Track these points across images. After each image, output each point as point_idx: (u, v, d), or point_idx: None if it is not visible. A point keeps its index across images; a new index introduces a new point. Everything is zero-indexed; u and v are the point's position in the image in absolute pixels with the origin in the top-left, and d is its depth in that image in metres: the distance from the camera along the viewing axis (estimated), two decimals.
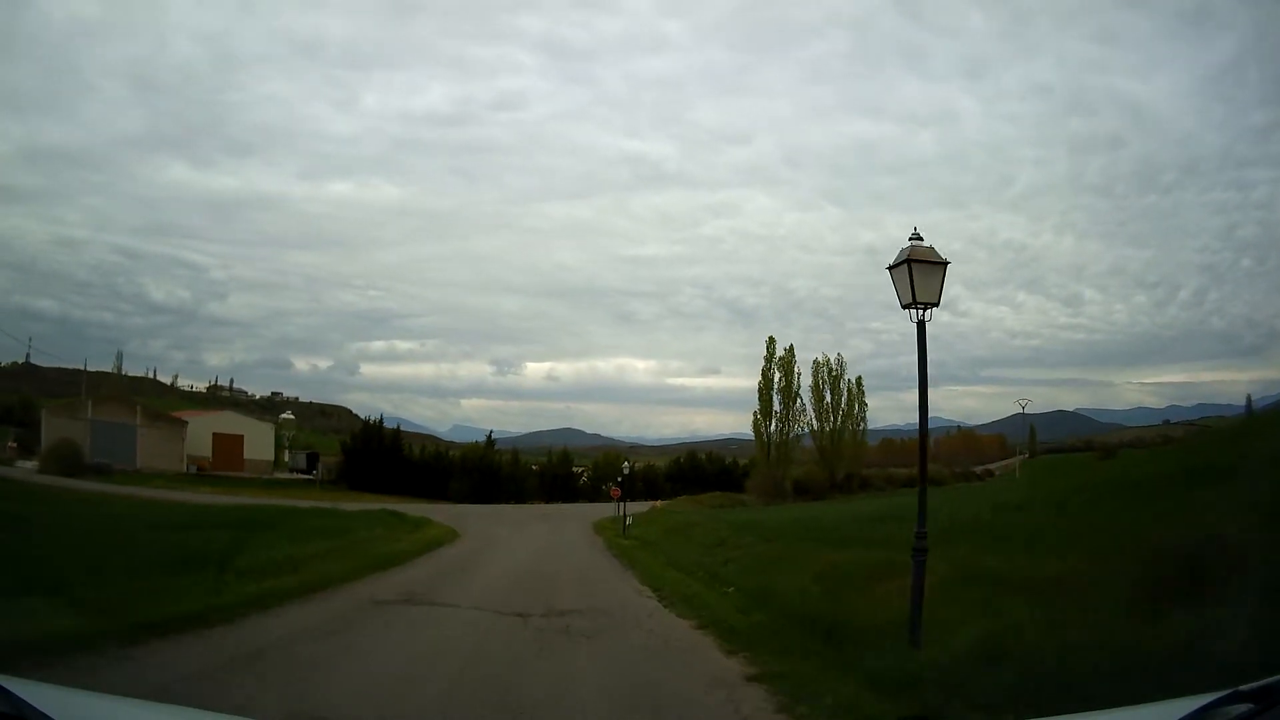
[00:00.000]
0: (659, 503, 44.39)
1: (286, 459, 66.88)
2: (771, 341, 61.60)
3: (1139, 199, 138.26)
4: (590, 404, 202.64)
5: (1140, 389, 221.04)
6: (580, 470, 70.79)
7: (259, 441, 64.02)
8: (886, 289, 7.12)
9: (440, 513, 32.78)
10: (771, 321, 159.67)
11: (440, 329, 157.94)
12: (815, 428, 63.81)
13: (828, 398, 65.03)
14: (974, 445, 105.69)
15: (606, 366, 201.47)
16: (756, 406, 60.40)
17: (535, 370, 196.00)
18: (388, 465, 58.04)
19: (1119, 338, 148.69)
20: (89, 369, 73.64)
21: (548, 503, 58.92)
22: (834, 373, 65.88)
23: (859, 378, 67.14)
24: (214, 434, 61.69)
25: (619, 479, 37.34)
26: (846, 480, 67.82)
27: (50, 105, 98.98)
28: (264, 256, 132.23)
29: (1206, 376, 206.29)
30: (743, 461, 74.03)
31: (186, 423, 59.73)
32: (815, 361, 65.03)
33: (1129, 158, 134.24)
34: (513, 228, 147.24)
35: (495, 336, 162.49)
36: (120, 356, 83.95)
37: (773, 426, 59.75)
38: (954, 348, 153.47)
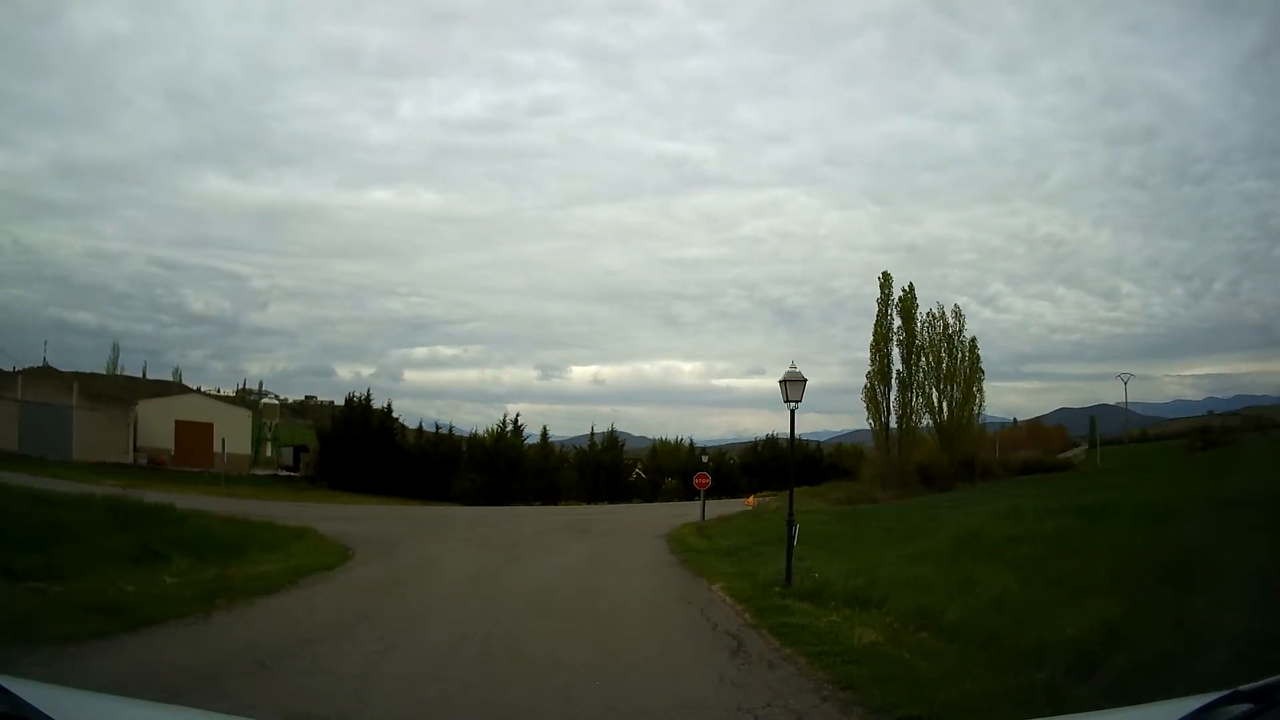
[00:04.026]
0: (753, 499, 30.43)
1: (269, 452, 54.42)
2: (887, 278, 46.95)
3: (1174, 190, 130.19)
4: (636, 406, 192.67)
5: (1179, 382, 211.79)
6: (634, 461, 55.65)
7: (235, 433, 51.60)
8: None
9: (383, 518, 19.32)
10: (816, 321, 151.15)
11: (484, 334, 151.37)
12: (934, 399, 49.12)
13: (945, 361, 50.25)
14: (1040, 435, 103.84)
15: (652, 369, 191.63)
16: (869, 367, 45.81)
17: (581, 374, 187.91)
18: (375, 456, 44.40)
19: (1159, 330, 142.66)
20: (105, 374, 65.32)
21: (590, 503, 44.56)
22: (949, 329, 51.10)
23: (974, 339, 52.19)
24: (176, 421, 49.80)
25: (706, 459, 23.22)
26: (967, 467, 53.41)
27: (84, 119, 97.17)
28: (306, 265, 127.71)
29: (1243, 368, 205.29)
30: (827, 451, 59.84)
31: (134, 405, 47.78)
32: (928, 314, 50.37)
33: (1163, 148, 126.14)
34: (555, 232, 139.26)
35: (539, 340, 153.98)
36: (116, 350, 73.07)
37: (893, 395, 44.91)
38: (997, 345, 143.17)
